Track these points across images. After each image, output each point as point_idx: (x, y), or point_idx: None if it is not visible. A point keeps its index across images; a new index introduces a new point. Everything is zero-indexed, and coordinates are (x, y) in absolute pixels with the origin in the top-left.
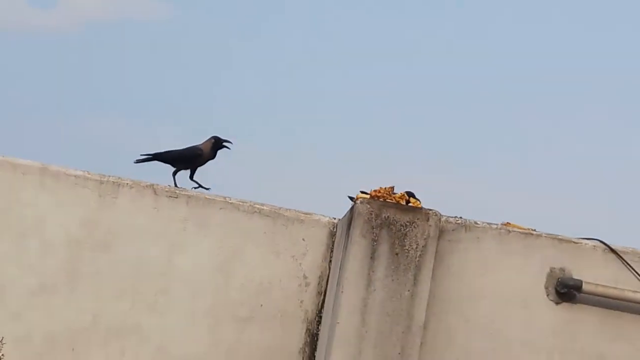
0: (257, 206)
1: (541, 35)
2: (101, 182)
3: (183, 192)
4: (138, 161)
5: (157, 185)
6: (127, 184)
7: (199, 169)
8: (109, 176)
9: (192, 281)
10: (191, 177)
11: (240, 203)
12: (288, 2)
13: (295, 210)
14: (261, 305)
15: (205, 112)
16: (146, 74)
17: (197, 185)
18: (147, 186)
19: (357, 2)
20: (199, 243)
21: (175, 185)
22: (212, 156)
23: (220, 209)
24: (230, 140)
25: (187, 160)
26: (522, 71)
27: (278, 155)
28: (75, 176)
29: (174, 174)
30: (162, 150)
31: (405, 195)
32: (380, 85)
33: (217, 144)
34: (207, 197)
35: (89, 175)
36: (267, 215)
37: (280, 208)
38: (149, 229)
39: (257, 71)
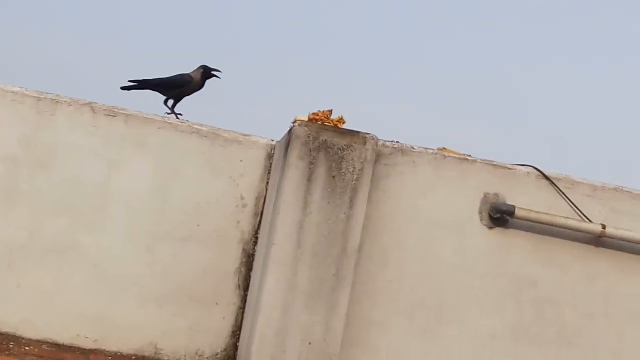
0: (196, 127)
1: None
2: (39, 99)
3: (121, 111)
4: (124, 88)
5: (96, 103)
6: (66, 101)
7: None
8: (47, 93)
9: (130, 201)
10: (173, 106)
11: (179, 123)
12: None
13: (233, 131)
14: (198, 226)
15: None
16: None
17: (170, 112)
18: (85, 104)
19: None
20: (137, 163)
21: (176, 115)
22: (201, 86)
23: (159, 128)
24: (220, 70)
25: (177, 88)
26: None
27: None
28: (12, 92)
29: (166, 102)
30: (150, 78)
31: (343, 118)
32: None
33: (207, 73)
34: (146, 116)
35: (27, 92)
36: (206, 136)
37: (219, 129)
38: (87, 147)
39: None
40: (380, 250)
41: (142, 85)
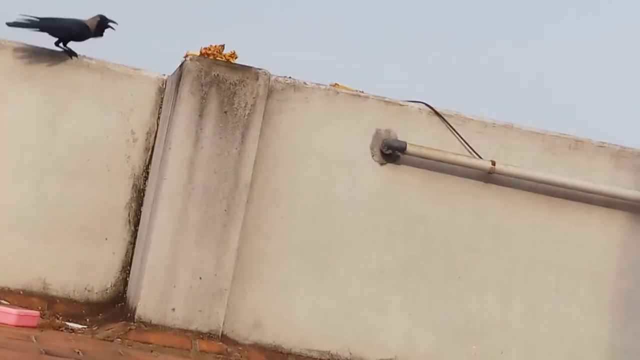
0: (85, 60)
1: None
2: None
3: (9, 43)
4: (12, 24)
5: None
6: None
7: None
8: None
9: (17, 133)
10: (65, 45)
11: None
12: None
13: (124, 65)
14: (88, 160)
15: None
16: None
17: (64, 49)
18: None
19: None
20: (25, 95)
21: (70, 53)
22: (98, 34)
23: (48, 61)
24: (116, 22)
25: (73, 34)
26: None
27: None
28: None
29: (57, 43)
30: (44, 17)
31: (235, 53)
32: None
33: (103, 23)
34: (35, 49)
35: None
36: (95, 70)
37: (108, 63)
38: None
39: None
40: (272, 186)
41: (32, 24)
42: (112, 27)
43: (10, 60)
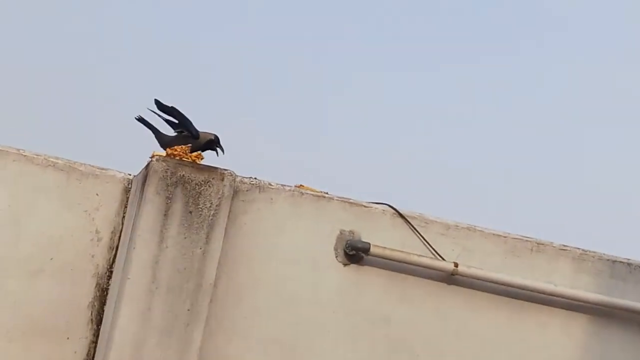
0: (52, 159)
1: None
2: None
3: None
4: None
5: None
6: None
7: None
8: None
9: None
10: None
11: (35, 156)
12: None
13: (90, 165)
14: (51, 259)
15: None
16: None
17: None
18: None
19: None
20: None
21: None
22: (202, 150)
23: (14, 160)
24: (224, 150)
25: (184, 136)
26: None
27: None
28: None
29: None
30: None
31: (201, 154)
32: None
33: (212, 143)
34: (0, 148)
35: None
36: (61, 169)
37: (74, 162)
38: None
39: None
40: (236, 285)
41: (168, 111)
42: (216, 152)
43: None
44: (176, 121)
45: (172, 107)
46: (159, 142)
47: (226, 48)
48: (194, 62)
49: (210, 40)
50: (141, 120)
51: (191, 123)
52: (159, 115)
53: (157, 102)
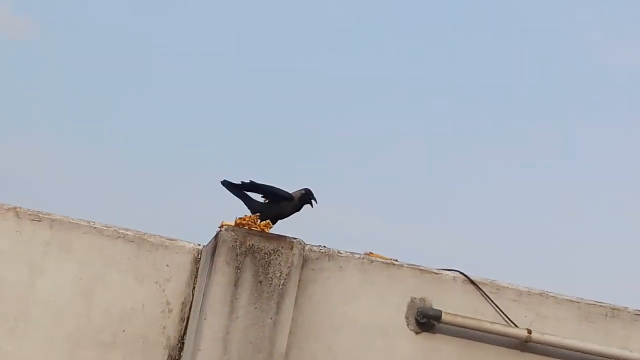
0: (122, 231)
1: None
2: None
3: (47, 216)
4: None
5: (20, 208)
6: None
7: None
8: None
9: (53, 305)
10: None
11: (105, 228)
12: None
13: (160, 236)
14: (124, 331)
15: None
16: None
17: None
18: (9, 209)
19: None
20: (62, 267)
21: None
22: (299, 208)
23: (84, 233)
24: (317, 201)
25: (279, 202)
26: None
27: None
28: None
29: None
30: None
31: (270, 223)
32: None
33: (306, 197)
34: (71, 221)
35: None
36: (132, 241)
37: (145, 234)
38: (11, 252)
39: None
40: (307, 356)
41: (250, 187)
42: (312, 205)
43: (47, 233)
44: (260, 194)
45: (250, 182)
46: (249, 208)
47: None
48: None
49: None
50: (228, 185)
51: (276, 188)
52: (237, 195)
53: (227, 183)
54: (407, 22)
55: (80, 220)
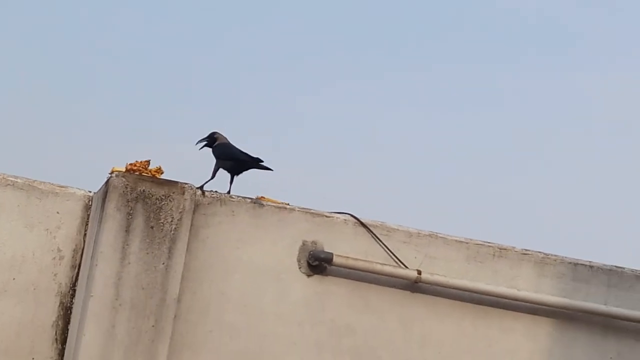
0: (11, 179)
1: None
2: None
3: None
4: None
5: None
6: None
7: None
8: None
9: None
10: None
11: None
12: None
13: (50, 183)
14: (14, 279)
15: None
16: None
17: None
18: None
19: None
20: None
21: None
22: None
23: None
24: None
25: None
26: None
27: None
28: None
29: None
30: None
31: (161, 168)
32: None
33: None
34: None
35: None
36: (21, 188)
37: (34, 181)
38: None
39: None
40: (200, 299)
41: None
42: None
43: None
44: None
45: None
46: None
47: None
48: None
49: None
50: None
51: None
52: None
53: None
54: None
55: None
